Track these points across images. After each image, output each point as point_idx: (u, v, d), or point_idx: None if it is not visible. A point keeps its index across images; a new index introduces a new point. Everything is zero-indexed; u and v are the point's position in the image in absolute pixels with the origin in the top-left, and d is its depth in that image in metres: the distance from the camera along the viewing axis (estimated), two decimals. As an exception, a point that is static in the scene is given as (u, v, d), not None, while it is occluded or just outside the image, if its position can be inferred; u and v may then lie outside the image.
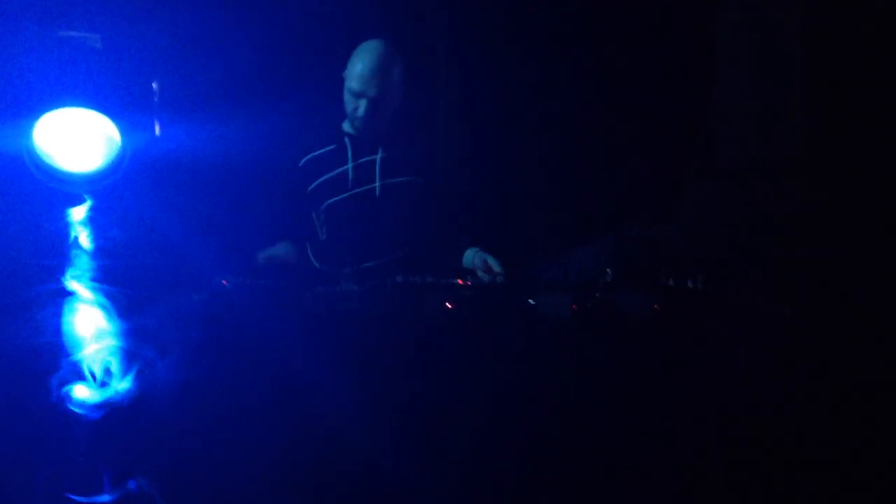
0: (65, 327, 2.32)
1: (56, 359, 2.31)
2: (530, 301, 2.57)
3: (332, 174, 3.34)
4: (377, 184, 3.33)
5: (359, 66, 3.23)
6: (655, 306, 2.52)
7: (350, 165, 3.33)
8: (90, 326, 2.33)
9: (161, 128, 2.54)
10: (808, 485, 2.40)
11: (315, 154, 3.36)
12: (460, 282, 2.74)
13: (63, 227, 2.36)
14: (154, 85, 2.59)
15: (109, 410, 2.37)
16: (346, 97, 3.29)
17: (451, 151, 3.66)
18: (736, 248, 2.75)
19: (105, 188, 2.41)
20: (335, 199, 3.32)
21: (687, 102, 3.47)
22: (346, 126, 3.40)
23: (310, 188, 3.34)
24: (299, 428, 2.47)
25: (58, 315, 2.32)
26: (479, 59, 3.71)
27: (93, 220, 2.38)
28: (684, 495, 2.44)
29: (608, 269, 2.70)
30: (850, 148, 2.65)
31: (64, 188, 2.38)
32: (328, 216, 3.33)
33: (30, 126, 2.34)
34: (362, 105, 3.26)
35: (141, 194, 2.47)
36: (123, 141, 2.38)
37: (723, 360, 2.49)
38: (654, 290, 2.59)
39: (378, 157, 3.35)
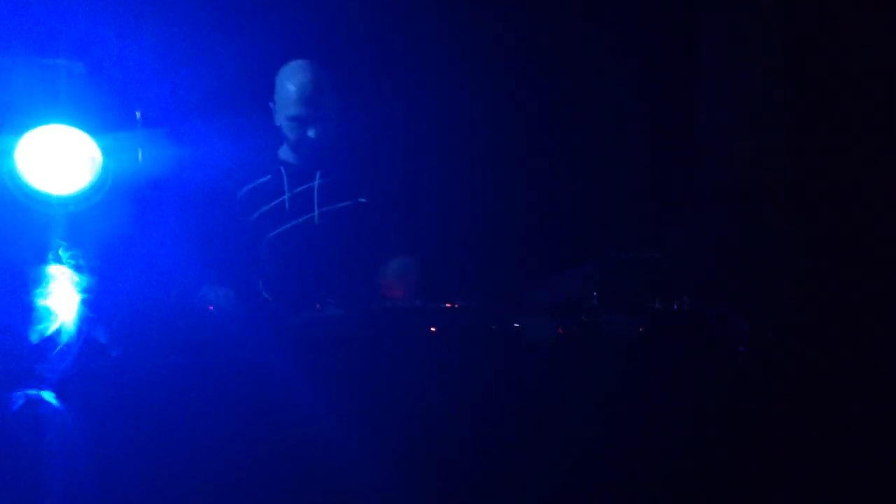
0: (43, 349, 2.30)
1: (32, 381, 2.29)
2: (516, 324, 2.56)
3: (269, 206, 3.28)
4: (315, 212, 3.27)
5: (292, 89, 3.14)
6: (641, 329, 2.51)
7: (287, 196, 3.25)
8: (68, 349, 2.31)
9: (143, 148, 2.54)
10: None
11: (252, 185, 3.30)
12: (448, 305, 2.72)
13: (43, 248, 2.35)
14: (137, 114, 2.59)
15: (89, 438, 2.35)
16: (287, 125, 3.20)
17: (434, 172, 3.64)
18: (721, 269, 2.75)
19: (86, 209, 2.40)
20: (275, 232, 3.25)
21: (670, 126, 3.49)
22: (283, 153, 3.34)
23: (250, 220, 3.29)
24: (284, 453, 2.45)
25: (36, 337, 2.30)
26: (460, 79, 3.70)
27: (73, 242, 2.37)
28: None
29: (594, 292, 2.69)
30: (833, 170, 2.66)
31: (45, 209, 2.37)
32: (271, 249, 3.26)
33: (11, 146, 2.33)
34: (311, 129, 3.17)
35: (123, 215, 2.46)
36: (105, 161, 2.38)
37: (709, 381, 2.48)
38: (639, 313, 2.59)
39: (315, 183, 3.30)
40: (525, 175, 3.72)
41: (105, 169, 2.38)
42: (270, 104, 3.25)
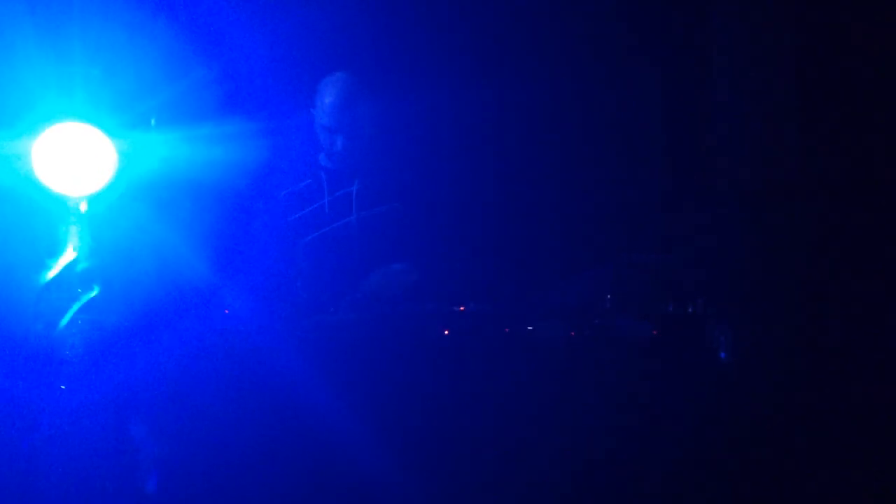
0: (59, 353, 2.31)
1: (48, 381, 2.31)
2: (529, 328, 2.56)
3: (308, 209, 3.33)
4: (354, 216, 3.31)
5: (328, 100, 3.23)
6: (654, 332, 2.51)
7: (326, 199, 3.31)
8: (84, 355, 2.32)
9: (164, 149, 2.55)
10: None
11: (292, 189, 3.37)
12: (461, 308, 2.72)
13: (60, 249, 2.36)
14: (152, 121, 2.60)
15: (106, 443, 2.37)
16: (322, 134, 3.28)
17: (448, 177, 3.63)
18: (734, 273, 2.74)
19: (103, 211, 2.41)
20: (313, 235, 3.30)
21: (683, 129, 3.47)
22: (323, 159, 3.40)
23: (287, 223, 3.33)
24: (296, 455, 2.46)
25: (52, 341, 2.31)
26: (475, 84, 3.70)
27: (90, 244, 2.38)
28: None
29: (607, 295, 2.69)
30: (847, 172, 2.65)
31: (61, 210, 2.38)
32: (308, 252, 3.31)
33: (26, 147, 2.34)
34: (339, 140, 3.25)
35: (141, 218, 2.47)
36: (122, 162, 2.38)
37: (722, 383, 2.47)
38: (653, 316, 2.58)
39: (354, 188, 3.35)
40: (538, 179, 3.72)
41: (122, 170, 2.38)
42: (312, 111, 3.32)
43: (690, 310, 2.59)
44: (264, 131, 3.32)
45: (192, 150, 2.65)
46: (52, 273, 2.31)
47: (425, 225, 3.31)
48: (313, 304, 3.11)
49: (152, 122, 2.51)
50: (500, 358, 2.55)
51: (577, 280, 2.85)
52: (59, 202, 2.36)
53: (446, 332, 2.56)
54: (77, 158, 2.34)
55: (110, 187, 2.37)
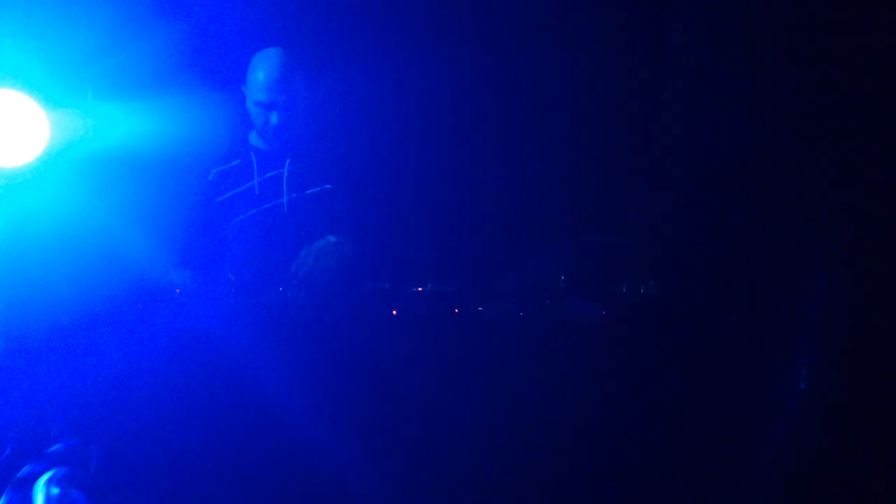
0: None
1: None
2: (479, 308, 2.55)
3: (238, 189, 3.29)
4: (284, 199, 3.29)
5: (261, 75, 3.16)
6: (603, 312, 2.50)
7: (256, 181, 3.27)
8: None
9: (95, 121, 2.51)
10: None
11: (222, 168, 3.32)
12: (419, 289, 2.70)
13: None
14: (89, 94, 2.56)
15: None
16: (254, 110, 3.22)
17: (404, 158, 3.62)
18: (687, 254, 2.74)
19: (38, 186, 2.36)
20: (243, 216, 3.27)
21: (640, 110, 3.47)
22: (253, 139, 3.36)
23: (216, 202, 3.29)
24: (247, 434, 2.45)
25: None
26: (430, 65, 3.69)
27: (25, 220, 2.34)
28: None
29: (562, 276, 2.68)
30: (797, 154, 2.65)
31: None
32: (238, 233, 3.28)
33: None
34: (274, 115, 3.18)
35: (75, 191, 2.42)
36: (54, 133, 2.33)
37: (673, 365, 2.47)
38: (606, 296, 2.58)
39: (285, 170, 3.33)
40: (495, 159, 3.71)
41: (54, 141, 2.33)
42: (242, 88, 3.26)
43: (643, 290, 2.59)
44: (192, 108, 3.27)
45: (124, 125, 2.60)
46: None
47: (363, 207, 3.27)
48: (243, 286, 3.08)
49: (89, 95, 2.46)
50: (449, 337, 2.54)
51: (534, 260, 2.84)
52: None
53: (394, 312, 2.54)
54: (7, 127, 2.28)
55: (41, 160, 2.31)
